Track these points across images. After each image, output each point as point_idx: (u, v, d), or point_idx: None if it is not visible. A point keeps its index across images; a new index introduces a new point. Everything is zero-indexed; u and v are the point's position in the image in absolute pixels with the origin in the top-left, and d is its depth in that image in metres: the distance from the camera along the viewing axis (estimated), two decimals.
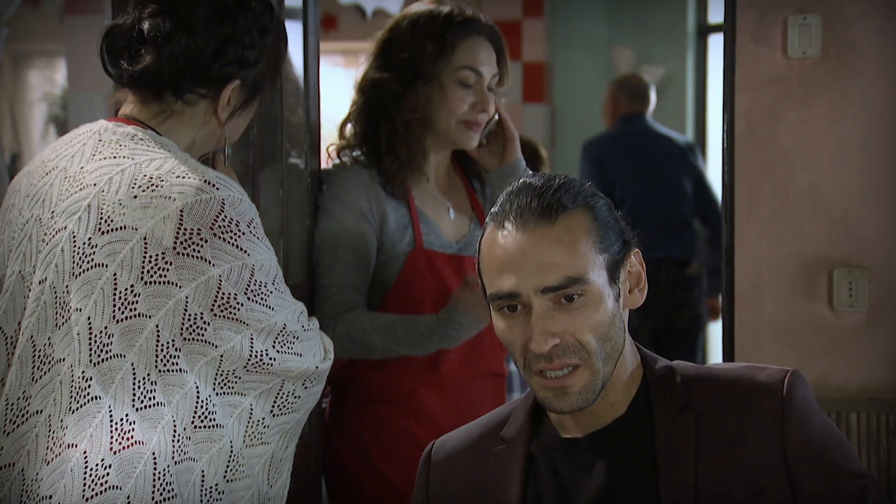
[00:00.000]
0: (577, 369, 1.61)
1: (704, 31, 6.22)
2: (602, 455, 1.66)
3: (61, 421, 1.81)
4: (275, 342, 1.90)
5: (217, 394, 1.87)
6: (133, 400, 1.81)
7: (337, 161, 2.62)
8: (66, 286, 1.84)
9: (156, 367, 1.82)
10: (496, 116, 2.62)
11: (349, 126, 2.63)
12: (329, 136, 2.78)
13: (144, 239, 1.82)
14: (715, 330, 6.03)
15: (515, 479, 1.70)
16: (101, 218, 1.84)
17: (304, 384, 1.97)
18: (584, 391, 1.62)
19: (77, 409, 1.80)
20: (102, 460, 1.77)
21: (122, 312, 1.81)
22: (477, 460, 1.75)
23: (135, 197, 1.84)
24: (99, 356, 1.81)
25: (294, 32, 2.58)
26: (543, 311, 1.59)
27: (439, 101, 2.54)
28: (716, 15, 6.11)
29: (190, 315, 1.83)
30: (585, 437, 1.68)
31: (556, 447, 1.70)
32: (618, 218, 1.68)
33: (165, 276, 1.82)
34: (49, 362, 1.84)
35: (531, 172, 2.68)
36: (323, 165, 2.67)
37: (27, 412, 1.84)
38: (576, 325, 1.60)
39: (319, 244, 2.55)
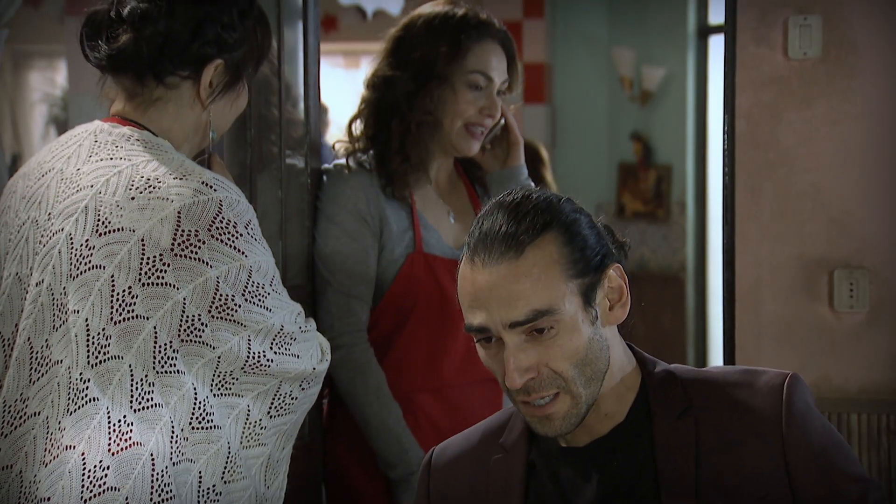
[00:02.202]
0: (558, 396, 1.61)
1: (705, 31, 6.21)
2: (603, 463, 1.66)
3: (59, 423, 1.81)
4: (272, 343, 1.90)
5: (215, 395, 1.86)
6: (131, 401, 1.81)
7: (338, 161, 2.61)
8: (64, 288, 1.84)
9: (154, 368, 1.81)
10: (502, 121, 2.62)
11: (358, 123, 2.62)
12: (329, 136, 2.77)
13: (142, 240, 1.82)
14: (715, 331, 6.03)
15: (516, 487, 1.69)
16: (99, 219, 1.84)
17: (301, 385, 1.96)
18: (567, 416, 1.62)
19: (75, 410, 1.80)
20: (101, 462, 1.77)
21: (120, 314, 1.81)
22: (477, 466, 1.74)
23: (132, 198, 1.83)
24: (97, 358, 1.81)
25: (294, 33, 2.58)
26: (515, 346, 1.59)
27: (448, 104, 2.54)
28: (716, 15, 6.10)
29: (188, 316, 1.82)
30: (585, 447, 1.67)
31: (556, 456, 1.69)
32: (601, 233, 1.66)
33: (163, 277, 1.81)
34: (47, 364, 1.83)
35: (530, 183, 2.69)
36: (327, 163, 2.66)
37: (25, 414, 1.84)
38: (549, 356, 1.59)
39: (320, 248, 2.55)
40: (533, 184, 2.70)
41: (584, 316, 1.61)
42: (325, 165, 2.64)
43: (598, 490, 1.64)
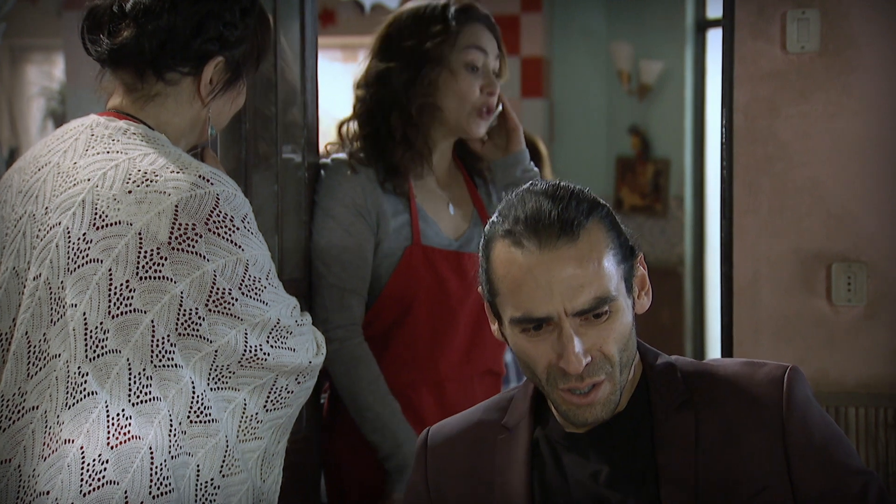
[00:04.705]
0: (601, 384, 1.61)
1: (703, 25, 6.21)
2: (604, 451, 1.66)
3: (57, 417, 1.81)
4: (269, 337, 1.90)
5: (212, 389, 1.86)
6: (129, 395, 1.81)
7: (336, 156, 2.61)
8: (61, 282, 1.84)
9: (151, 362, 1.82)
10: (499, 108, 2.63)
11: (351, 125, 2.62)
12: (327, 130, 2.77)
13: (139, 234, 1.82)
14: (713, 324, 6.03)
15: (521, 466, 1.69)
16: (96, 213, 1.84)
17: (296, 379, 1.96)
18: (607, 402, 1.62)
19: (73, 404, 1.80)
20: (99, 455, 1.77)
21: (118, 308, 1.81)
22: (477, 446, 1.75)
23: (129, 192, 1.84)
24: (94, 352, 1.81)
25: (292, 26, 2.58)
26: (575, 331, 1.58)
27: (450, 89, 2.55)
28: (714, 10, 6.10)
29: (185, 310, 1.82)
30: (587, 433, 1.68)
31: (559, 440, 1.70)
32: (620, 224, 1.67)
33: (160, 271, 1.81)
34: (44, 358, 1.83)
35: (533, 167, 2.69)
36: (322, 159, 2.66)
37: (23, 408, 1.84)
38: (602, 339, 1.59)
39: (316, 242, 2.55)
40: (537, 169, 2.71)
41: (627, 301, 1.62)
42: (323, 160, 2.64)
43: (600, 476, 1.65)
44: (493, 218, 1.65)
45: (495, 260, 1.62)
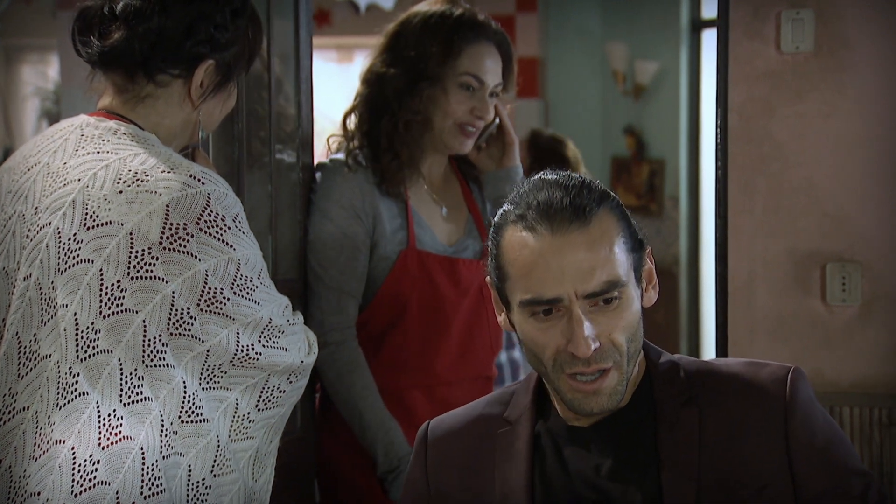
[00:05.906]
0: (609, 371, 1.61)
1: (698, 26, 6.21)
2: (607, 445, 1.67)
3: (48, 417, 1.80)
4: (261, 336, 1.90)
5: (203, 388, 1.86)
6: (120, 395, 1.80)
7: (334, 156, 2.61)
8: (52, 282, 1.83)
9: (143, 362, 1.81)
10: (496, 121, 2.61)
11: (352, 118, 2.61)
12: (322, 130, 2.76)
13: (130, 234, 1.81)
14: (708, 325, 6.03)
15: (522, 460, 1.70)
16: (87, 213, 1.83)
17: (288, 378, 1.96)
18: (614, 392, 1.63)
19: (64, 405, 1.80)
20: (91, 456, 1.77)
21: (109, 308, 1.81)
22: (477, 440, 1.75)
23: (120, 192, 1.83)
24: (86, 352, 1.80)
25: (286, 27, 2.57)
26: (584, 316, 1.58)
27: (440, 104, 2.53)
28: (709, 10, 6.10)
29: (177, 310, 1.82)
30: (590, 427, 1.68)
31: (561, 434, 1.70)
32: (630, 216, 1.68)
33: (152, 270, 1.81)
34: (35, 359, 1.83)
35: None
36: (321, 158, 2.65)
37: (13, 409, 1.83)
38: (611, 326, 1.60)
39: (312, 242, 2.54)
40: None
41: (636, 291, 1.63)
42: (321, 160, 2.64)
43: (602, 468, 1.66)
44: (504, 206, 1.67)
45: (506, 245, 1.63)
